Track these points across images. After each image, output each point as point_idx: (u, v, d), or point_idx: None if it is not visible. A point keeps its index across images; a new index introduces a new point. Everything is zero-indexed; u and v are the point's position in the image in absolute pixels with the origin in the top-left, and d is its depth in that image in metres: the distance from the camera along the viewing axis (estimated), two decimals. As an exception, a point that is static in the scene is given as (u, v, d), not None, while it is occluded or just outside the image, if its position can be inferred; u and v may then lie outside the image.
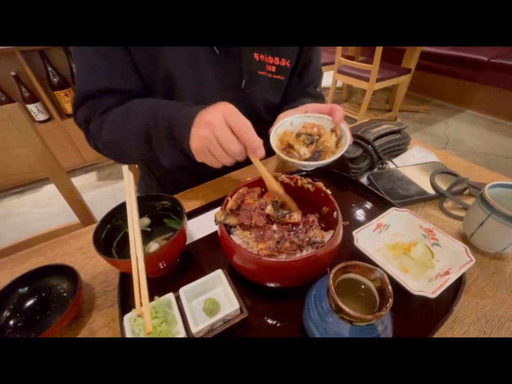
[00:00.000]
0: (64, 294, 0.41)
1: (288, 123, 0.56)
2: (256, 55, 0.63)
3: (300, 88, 0.79)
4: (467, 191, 0.59)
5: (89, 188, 2.11)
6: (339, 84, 2.99)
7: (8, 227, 1.84)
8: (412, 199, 0.57)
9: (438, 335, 0.36)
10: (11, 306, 0.38)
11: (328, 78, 2.99)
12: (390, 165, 0.67)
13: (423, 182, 0.60)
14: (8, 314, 0.37)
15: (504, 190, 0.46)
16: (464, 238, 0.49)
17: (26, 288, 0.40)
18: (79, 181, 2.16)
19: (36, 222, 1.85)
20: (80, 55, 0.58)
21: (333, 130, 0.54)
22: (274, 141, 0.53)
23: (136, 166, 0.96)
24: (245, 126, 0.43)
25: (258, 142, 0.44)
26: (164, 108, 0.53)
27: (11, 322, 0.37)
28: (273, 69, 0.67)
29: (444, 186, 0.58)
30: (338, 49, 2.38)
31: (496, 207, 0.41)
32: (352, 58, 2.67)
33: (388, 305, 0.27)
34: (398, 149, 0.71)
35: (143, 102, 0.57)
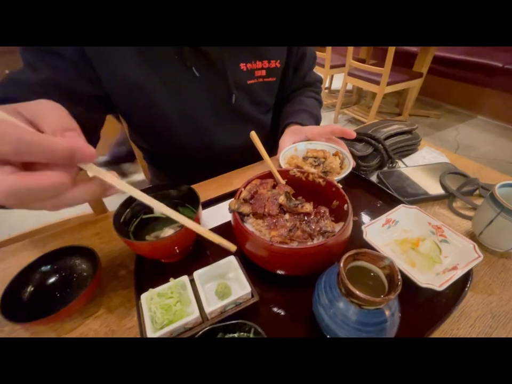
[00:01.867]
0: (84, 274, 0.43)
1: (293, 149, 0.63)
2: (242, 66, 0.62)
3: (297, 80, 0.78)
4: (477, 192, 0.59)
5: (100, 182, 2.15)
6: (349, 86, 3.00)
7: (19, 218, 1.89)
8: (421, 197, 0.57)
9: (444, 327, 0.37)
10: (34, 283, 0.40)
11: (338, 81, 2.99)
12: (400, 165, 0.68)
13: (433, 182, 0.61)
14: (32, 289, 0.40)
15: (515, 190, 0.46)
16: (472, 237, 0.50)
17: (48, 267, 0.42)
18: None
19: (46, 214, 1.90)
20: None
21: (335, 154, 0.61)
22: (283, 164, 0.59)
23: (147, 167, 0.98)
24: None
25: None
26: None
27: (34, 297, 0.39)
28: (263, 73, 0.65)
29: (453, 187, 0.59)
30: (350, 52, 2.39)
31: (506, 205, 0.42)
32: (363, 61, 2.67)
33: (396, 290, 0.28)
34: (409, 149, 0.71)
35: None
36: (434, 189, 0.59)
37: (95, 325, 0.39)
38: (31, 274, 0.40)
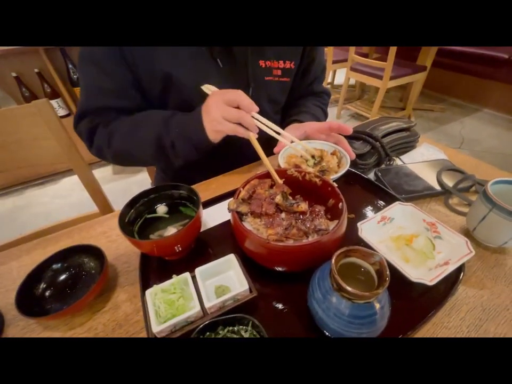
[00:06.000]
0: (92, 271, 0.45)
1: (291, 149, 0.65)
2: (262, 63, 0.66)
3: (304, 85, 0.81)
4: (473, 188, 0.60)
5: (105, 181, 2.19)
6: (352, 81, 2.97)
7: (30, 216, 1.94)
8: (417, 194, 0.58)
9: (435, 319, 0.39)
10: (46, 280, 0.43)
11: (341, 75, 2.97)
12: (398, 162, 0.69)
13: (430, 178, 0.62)
14: (44, 286, 0.42)
15: (508, 186, 0.47)
16: (467, 233, 0.51)
17: (59, 265, 0.44)
18: (95, 174, 2.25)
19: (56, 212, 1.95)
20: (84, 71, 0.62)
21: (333, 153, 0.63)
22: (282, 163, 0.60)
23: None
24: (236, 95, 0.53)
25: (249, 101, 0.53)
26: (170, 118, 0.60)
27: (47, 293, 0.42)
28: (279, 72, 0.70)
29: (450, 183, 0.60)
30: (352, 46, 2.37)
31: (497, 202, 0.43)
32: (366, 55, 2.65)
33: (384, 285, 0.29)
34: (406, 146, 0.72)
35: (149, 114, 0.63)
36: (431, 185, 0.60)
37: (103, 319, 0.42)
38: (43, 271, 0.43)
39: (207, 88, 0.59)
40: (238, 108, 0.53)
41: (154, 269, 0.48)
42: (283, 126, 0.76)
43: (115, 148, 0.64)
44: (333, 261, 0.31)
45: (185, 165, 0.80)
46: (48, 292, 0.42)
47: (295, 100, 0.83)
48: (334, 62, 2.67)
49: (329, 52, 2.59)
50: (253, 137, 0.52)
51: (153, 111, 0.64)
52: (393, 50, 2.02)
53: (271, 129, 0.58)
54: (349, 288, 0.29)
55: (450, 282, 0.42)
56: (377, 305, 0.31)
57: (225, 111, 0.52)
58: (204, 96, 0.61)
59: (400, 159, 0.69)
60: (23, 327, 0.41)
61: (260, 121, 0.55)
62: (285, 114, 0.81)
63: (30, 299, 0.40)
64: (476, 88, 2.83)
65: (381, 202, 0.58)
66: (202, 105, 0.57)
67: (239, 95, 0.52)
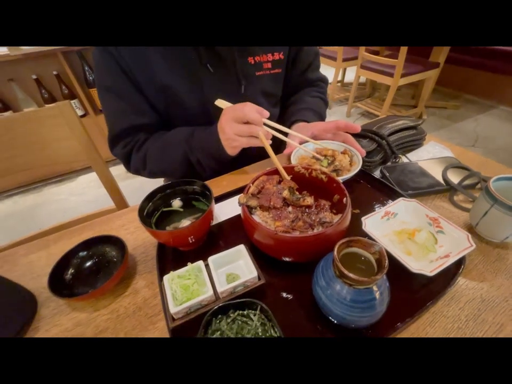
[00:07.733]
0: (114, 259, 0.49)
1: (302, 150, 0.67)
2: (250, 59, 0.69)
3: (298, 74, 0.82)
4: (479, 185, 0.61)
5: (119, 179, 2.22)
6: (362, 79, 2.95)
7: (48, 213, 2.04)
8: (422, 191, 0.60)
9: (434, 309, 0.41)
10: (74, 266, 0.47)
11: (351, 73, 2.96)
12: (404, 160, 0.70)
13: (435, 176, 0.63)
14: (72, 271, 0.47)
15: (511, 183, 0.48)
16: (470, 229, 0.52)
17: (85, 253, 0.49)
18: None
19: (73, 209, 2.03)
20: (103, 100, 0.69)
21: (344, 152, 0.64)
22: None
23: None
24: (243, 113, 0.55)
25: (257, 116, 0.55)
26: (191, 137, 0.66)
27: (74, 278, 0.46)
28: (269, 65, 0.72)
29: (455, 181, 0.61)
30: (362, 44, 2.36)
31: (499, 198, 0.44)
32: (376, 53, 2.62)
33: (383, 271, 0.32)
34: (413, 144, 0.73)
35: (172, 135, 0.69)
36: (437, 182, 0.61)
37: (124, 303, 0.46)
38: (71, 259, 0.47)
39: (221, 103, 0.63)
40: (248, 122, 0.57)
41: (170, 259, 0.51)
42: (285, 125, 0.78)
43: (150, 169, 0.72)
44: (336, 249, 0.34)
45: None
46: (76, 277, 0.47)
47: (293, 92, 0.84)
48: (344, 60, 2.66)
49: (339, 50, 2.58)
50: (262, 136, 0.55)
51: (175, 131, 0.69)
52: (404, 47, 2.00)
53: (280, 131, 0.60)
54: (350, 274, 0.32)
55: (451, 274, 0.44)
56: (377, 291, 0.34)
57: (236, 128, 0.56)
58: (201, 106, 0.65)
59: (406, 157, 0.70)
60: (54, 308, 0.45)
61: (270, 126, 0.59)
62: (283, 109, 0.83)
63: (60, 283, 0.44)
64: (491, 84, 2.76)
65: (386, 199, 0.60)
66: (218, 123, 0.62)
67: (245, 112, 0.55)
